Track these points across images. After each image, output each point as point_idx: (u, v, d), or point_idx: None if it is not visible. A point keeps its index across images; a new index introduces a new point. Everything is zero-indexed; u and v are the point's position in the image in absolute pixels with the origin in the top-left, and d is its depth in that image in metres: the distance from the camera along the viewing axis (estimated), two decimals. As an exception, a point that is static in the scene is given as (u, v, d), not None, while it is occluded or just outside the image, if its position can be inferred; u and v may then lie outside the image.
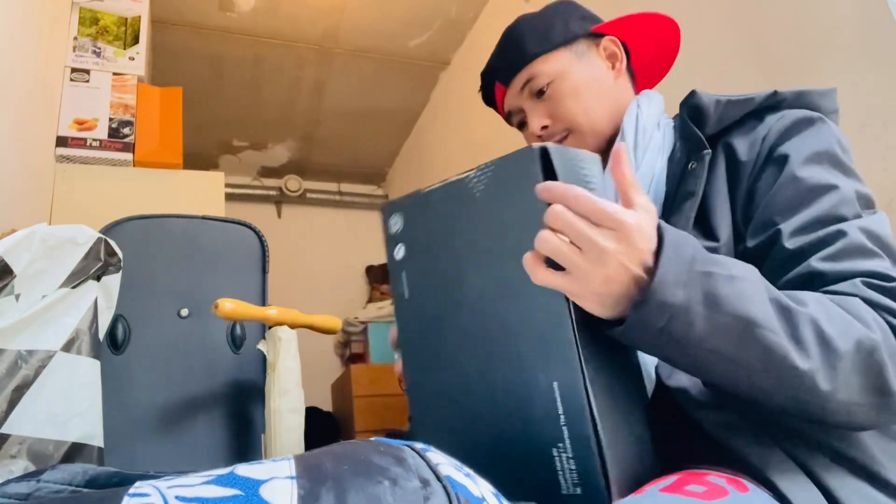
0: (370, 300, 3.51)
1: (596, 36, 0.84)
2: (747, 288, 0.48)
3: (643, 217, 0.47)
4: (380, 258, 3.70)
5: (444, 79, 2.98)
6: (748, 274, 0.50)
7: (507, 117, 0.88)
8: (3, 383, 0.72)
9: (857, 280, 0.54)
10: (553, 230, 0.47)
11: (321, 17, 2.55)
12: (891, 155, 1.05)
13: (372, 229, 3.84)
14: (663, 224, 0.49)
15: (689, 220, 0.66)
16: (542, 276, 0.47)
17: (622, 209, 0.47)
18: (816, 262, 0.56)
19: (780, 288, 0.56)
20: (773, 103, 0.70)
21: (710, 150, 0.68)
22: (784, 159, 0.64)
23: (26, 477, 0.33)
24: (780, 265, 0.59)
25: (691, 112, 0.73)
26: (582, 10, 0.86)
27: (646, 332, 0.47)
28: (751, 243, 0.63)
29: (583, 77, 0.81)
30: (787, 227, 0.60)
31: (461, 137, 2.77)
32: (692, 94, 0.73)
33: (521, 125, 0.87)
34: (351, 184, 3.87)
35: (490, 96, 0.89)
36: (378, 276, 3.54)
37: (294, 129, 3.30)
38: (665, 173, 0.73)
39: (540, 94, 0.81)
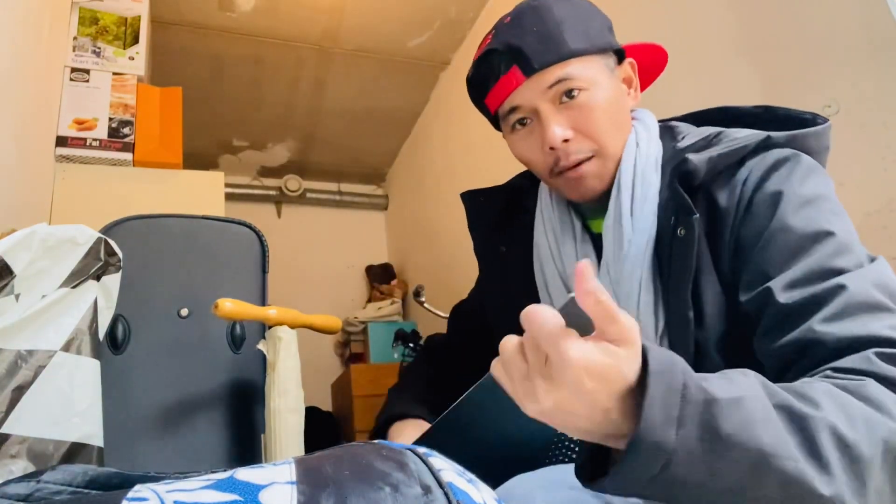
0: (370, 300, 3.51)
1: (620, 53, 0.76)
2: (751, 409, 0.41)
3: (622, 355, 0.39)
4: (380, 258, 3.70)
5: (444, 79, 2.98)
6: (747, 389, 0.42)
7: (505, 113, 0.74)
8: (3, 383, 0.72)
9: (869, 353, 0.47)
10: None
11: (321, 17, 2.55)
12: (891, 155, 1.05)
13: (372, 229, 3.84)
14: (648, 349, 0.41)
15: (688, 297, 0.60)
16: (531, 409, 0.40)
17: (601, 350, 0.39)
18: (818, 325, 0.51)
19: (776, 352, 0.51)
20: (763, 146, 0.65)
21: (697, 215, 0.62)
22: (771, 200, 0.60)
23: (26, 477, 0.33)
24: (776, 324, 0.54)
25: (682, 178, 0.65)
26: (608, 19, 0.77)
27: (636, 484, 0.40)
28: (743, 298, 0.58)
29: (611, 93, 0.71)
30: (779, 281, 0.55)
31: (461, 137, 2.77)
32: (685, 161, 0.65)
33: (519, 123, 0.73)
34: (351, 184, 3.87)
35: (488, 76, 0.73)
36: (378, 276, 3.54)
37: (294, 128, 3.30)
38: (654, 229, 0.67)
39: (568, 99, 0.69)
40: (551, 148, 0.69)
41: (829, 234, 0.56)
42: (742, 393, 0.42)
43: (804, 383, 0.46)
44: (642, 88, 0.82)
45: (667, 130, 0.76)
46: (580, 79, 0.69)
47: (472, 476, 0.36)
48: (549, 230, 0.79)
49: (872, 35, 1.10)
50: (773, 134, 0.65)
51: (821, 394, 0.44)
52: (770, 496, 0.41)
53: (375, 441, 0.40)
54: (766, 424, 0.41)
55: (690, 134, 0.74)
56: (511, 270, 0.85)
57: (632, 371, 0.39)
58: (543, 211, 0.82)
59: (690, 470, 0.39)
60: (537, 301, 0.78)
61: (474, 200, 0.91)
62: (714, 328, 0.61)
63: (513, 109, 0.72)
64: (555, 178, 0.74)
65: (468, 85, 0.78)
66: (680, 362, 0.42)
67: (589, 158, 0.70)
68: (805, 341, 0.51)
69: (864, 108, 1.10)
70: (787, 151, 0.64)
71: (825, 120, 0.69)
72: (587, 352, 0.38)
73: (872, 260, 0.56)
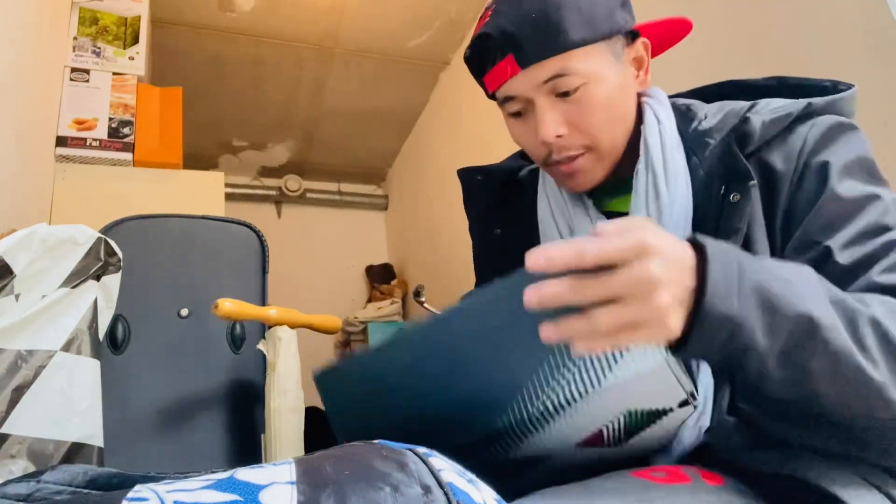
0: (370, 300, 3.51)
1: (633, 33, 0.71)
2: (802, 286, 0.45)
3: (659, 232, 0.42)
4: (380, 258, 3.70)
5: (444, 79, 2.98)
6: (800, 272, 0.47)
7: (501, 100, 0.71)
8: (3, 383, 0.72)
9: None
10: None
11: (321, 17, 2.55)
12: (891, 155, 1.05)
13: (372, 229, 3.84)
14: (699, 236, 0.44)
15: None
16: (602, 345, 0.41)
17: (633, 227, 0.41)
18: (878, 276, 0.53)
19: None
20: (806, 114, 0.65)
21: (755, 181, 0.61)
22: (822, 170, 0.61)
23: (26, 477, 0.33)
24: (835, 282, 0.54)
25: (740, 140, 0.63)
26: None
27: (710, 349, 0.44)
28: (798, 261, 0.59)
29: (616, 85, 0.67)
30: (836, 242, 0.56)
31: (461, 137, 2.77)
32: (746, 120, 0.63)
33: (518, 114, 0.71)
34: (351, 184, 3.87)
35: (485, 60, 0.69)
36: (378, 276, 3.54)
37: (294, 129, 3.30)
38: (691, 202, 0.65)
39: (565, 94, 0.66)
40: (544, 143, 0.68)
41: (875, 196, 0.59)
42: (794, 274, 0.46)
43: (864, 295, 0.50)
44: (658, 53, 0.79)
45: (678, 109, 0.74)
46: (579, 73, 0.65)
47: (473, 476, 0.36)
48: (558, 211, 0.76)
49: (872, 35, 1.10)
50: (813, 100, 0.65)
51: (874, 300, 0.48)
52: (825, 370, 0.44)
53: (375, 441, 0.40)
54: (815, 299, 0.45)
55: (710, 110, 0.71)
56: (507, 252, 0.81)
57: (688, 250, 0.43)
58: (548, 191, 0.78)
59: (753, 336, 0.43)
60: None
61: (471, 178, 0.88)
62: None
63: (508, 98, 0.69)
64: (548, 168, 0.73)
65: (467, 62, 0.74)
66: (733, 247, 0.45)
67: (582, 154, 0.69)
68: (866, 289, 0.53)
69: (864, 108, 1.10)
70: (837, 119, 0.64)
71: (848, 85, 0.69)
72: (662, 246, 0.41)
73: None
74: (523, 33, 0.64)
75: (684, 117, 0.72)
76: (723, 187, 0.62)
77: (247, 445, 1.00)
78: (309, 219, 3.71)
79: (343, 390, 0.60)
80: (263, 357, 0.99)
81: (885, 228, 0.57)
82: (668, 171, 0.66)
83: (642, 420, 0.51)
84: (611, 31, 0.66)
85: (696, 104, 0.74)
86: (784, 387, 0.46)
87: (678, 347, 0.44)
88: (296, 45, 2.69)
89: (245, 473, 0.31)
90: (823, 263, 0.56)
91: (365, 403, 0.58)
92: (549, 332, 0.41)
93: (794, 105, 0.65)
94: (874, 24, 1.09)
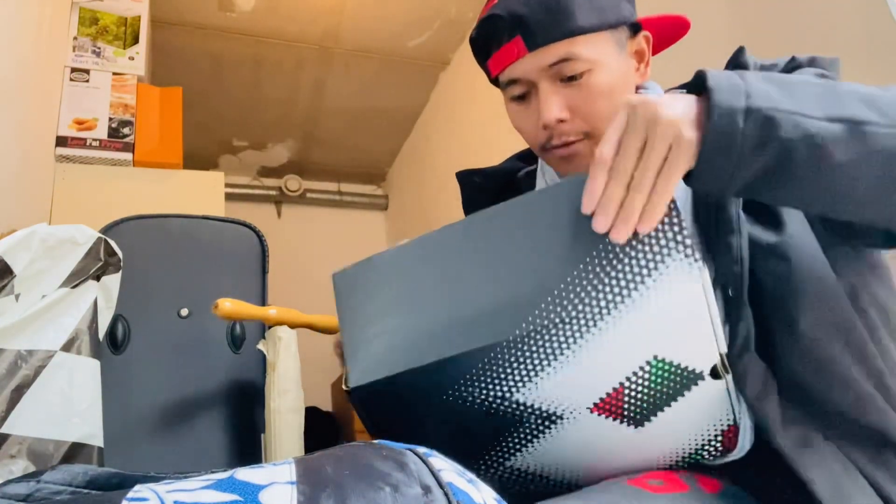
0: (370, 300, 3.51)
1: (636, 26, 0.72)
2: (820, 91, 0.47)
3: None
4: (380, 258, 3.69)
5: (444, 79, 2.98)
6: (812, 80, 0.49)
7: (504, 83, 0.71)
8: (3, 383, 0.72)
9: None
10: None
11: (321, 17, 2.55)
12: (891, 155, 1.05)
13: (372, 229, 3.84)
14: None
15: (739, 203, 0.59)
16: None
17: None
18: None
19: None
20: (792, 67, 0.67)
21: None
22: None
23: (26, 477, 0.33)
24: None
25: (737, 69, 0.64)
26: None
27: (731, 148, 0.45)
28: None
29: (618, 75, 0.68)
30: None
31: (461, 137, 2.77)
32: (741, 51, 0.65)
33: (520, 98, 0.71)
34: (351, 184, 3.87)
35: (491, 42, 0.69)
36: (378, 276, 3.54)
37: (294, 128, 3.30)
38: (689, 195, 0.65)
39: (570, 79, 0.66)
40: (545, 126, 0.68)
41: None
42: (805, 79, 0.49)
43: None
44: (656, 52, 0.79)
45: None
46: (585, 59, 0.65)
47: (473, 476, 0.36)
48: None
49: (872, 35, 1.10)
50: (797, 56, 0.67)
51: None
52: (839, 135, 0.45)
53: (376, 441, 0.40)
54: (812, 84, 0.48)
55: None
56: None
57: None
58: (547, 184, 0.78)
59: (768, 98, 0.45)
60: None
61: (470, 180, 0.88)
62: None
63: (512, 81, 0.70)
64: (545, 153, 0.73)
65: (471, 43, 0.75)
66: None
67: (580, 140, 0.69)
68: None
69: (863, 108, 1.10)
70: (823, 72, 0.66)
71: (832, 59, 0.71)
72: None
73: None
74: (533, 15, 0.65)
75: None
76: None
77: (247, 445, 1.00)
78: (309, 219, 3.71)
79: (362, 294, 0.56)
80: (263, 357, 0.99)
81: None
82: None
83: (668, 383, 0.48)
84: (617, 20, 0.67)
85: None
86: (846, 156, 0.46)
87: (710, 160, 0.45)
88: (296, 45, 2.69)
89: (245, 473, 0.31)
90: None
91: (385, 307, 0.53)
92: (599, 221, 0.45)
93: (780, 59, 0.67)
94: (874, 25, 1.09)
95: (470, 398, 0.49)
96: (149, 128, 1.74)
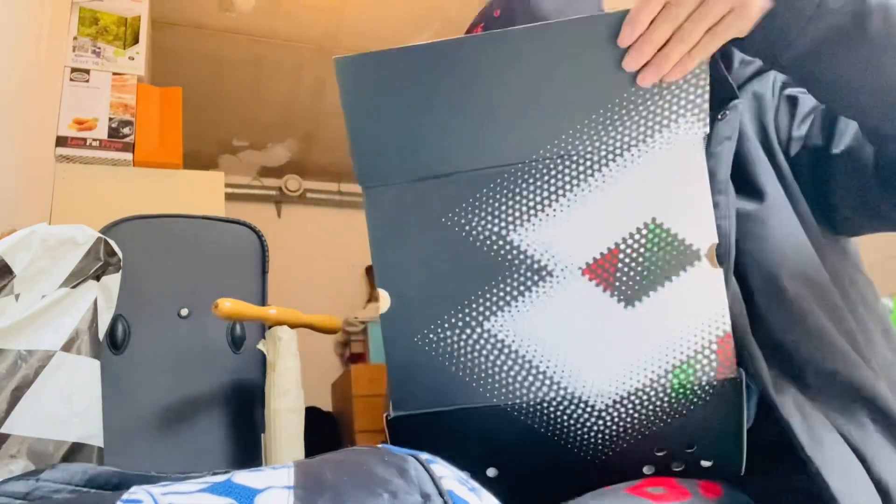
0: (370, 300, 3.51)
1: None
2: None
3: None
4: (380, 258, 3.69)
5: (444, 79, 2.98)
6: None
7: None
8: (3, 383, 0.72)
9: None
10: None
11: (321, 17, 2.55)
12: (891, 155, 1.05)
13: (372, 229, 3.84)
14: None
15: (729, 162, 0.60)
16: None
17: None
18: None
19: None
20: None
21: (738, 99, 0.63)
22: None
23: (25, 476, 0.33)
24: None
25: (723, 59, 0.66)
26: (600, 2, 0.77)
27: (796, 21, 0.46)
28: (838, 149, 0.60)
29: None
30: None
31: (461, 137, 2.77)
32: (731, 53, 0.67)
33: None
34: (351, 184, 3.87)
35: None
36: (378, 276, 3.54)
37: (294, 129, 3.30)
38: None
39: None
40: None
41: None
42: None
43: None
44: None
45: None
46: None
47: (475, 484, 0.35)
48: None
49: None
50: None
51: None
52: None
53: (379, 445, 0.40)
54: None
55: None
56: None
57: None
58: None
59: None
60: None
61: None
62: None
63: None
64: None
65: None
66: None
67: None
68: None
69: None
70: None
71: None
72: None
73: None
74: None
75: None
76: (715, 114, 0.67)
77: (247, 445, 1.00)
78: (309, 219, 3.71)
79: (371, 90, 0.51)
80: (263, 357, 0.99)
81: None
82: None
83: (664, 255, 0.47)
84: None
85: None
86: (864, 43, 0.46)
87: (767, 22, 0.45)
88: (296, 45, 2.69)
89: (242, 477, 0.30)
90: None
91: (401, 108, 0.50)
92: (632, 58, 0.45)
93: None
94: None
95: (467, 226, 0.48)
96: (149, 128, 1.74)
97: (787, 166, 0.63)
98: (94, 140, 1.66)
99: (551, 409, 0.50)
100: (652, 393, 0.49)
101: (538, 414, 0.50)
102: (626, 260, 0.47)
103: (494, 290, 0.49)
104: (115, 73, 1.78)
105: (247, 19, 2.53)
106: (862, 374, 0.51)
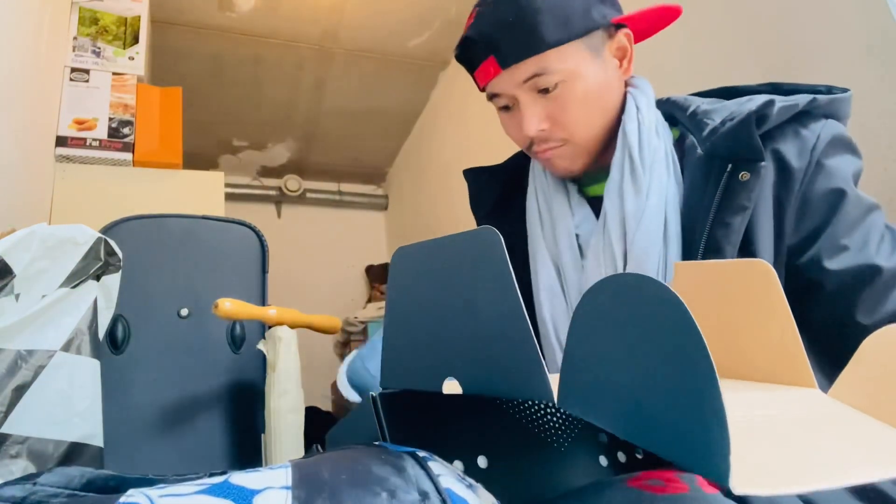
0: (370, 300, 3.51)
1: (613, 26, 0.73)
2: None
3: None
4: (380, 258, 3.69)
5: (444, 79, 2.98)
6: None
7: (489, 96, 0.75)
8: (3, 383, 0.72)
9: None
10: None
11: (321, 17, 2.55)
12: (891, 155, 1.05)
13: (372, 229, 3.84)
14: None
15: (740, 234, 0.62)
16: None
17: None
18: (881, 261, 0.62)
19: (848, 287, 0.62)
20: (813, 108, 0.68)
21: (766, 163, 0.64)
22: (834, 173, 0.66)
23: (22, 480, 0.32)
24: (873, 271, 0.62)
25: (759, 121, 0.65)
26: None
27: None
28: (832, 265, 0.64)
29: (594, 80, 0.71)
30: (853, 243, 0.63)
31: (461, 137, 2.77)
32: (771, 103, 0.65)
33: (506, 108, 0.75)
34: (351, 184, 3.87)
35: (472, 59, 0.73)
36: (378, 276, 3.54)
37: (294, 128, 3.30)
38: (678, 188, 0.69)
39: (544, 91, 0.70)
40: (529, 138, 0.73)
41: (876, 206, 0.66)
42: None
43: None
44: (645, 37, 0.81)
45: (668, 103, 0.77)
46: (557, 71, 0.69)
47: (472, 481, 0.36)
48: (541, 195, 0.81)
49: (872, 35, 1.10)
50: (818, 96, 0.68)
51: None
52: None
53: (375, 444, 0.40)
54: None
55: (705, 101, 0.73)
56: (515, 251, 0.84)
57: None
58: (536, 177, 0.83)
59: None
60: (529, 282, 0.79)
61: (478, 179, 0.91)
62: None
63: (494, 95, 0.74)
64: (532, 154, 0.79)
65: (457, 60, 0.79)
66: None
67: (560, 146, 0.73)
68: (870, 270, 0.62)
69: (864, 108, 1.10)
70: (845, 132, 0.69)
71: (842, 89, 0.71)
72: None
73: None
74: (502, 36, 0.69)
75: (680, 106, 0.75)
76: (729, 166, 0.65)
77: (247, 445, 1.00)
78: (309, 219, 3.71)
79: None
80: (263, 357, 0.99)
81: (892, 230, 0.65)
82: (645, 158, 0.70)
83: None
84: (586, 29, 0.69)
85: (690, 98, 0.77)
86: None
87: None
88: (296, 45, 2.69)
89: (240, 478, 0.30)
90: (868, 270, 0.62)
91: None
92: None
93: (800, 98, 0.68)
94: (874, 25, 1.09)
95: None
96: (149, 128, 1.74)
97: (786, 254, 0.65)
98: (94, 140, 1.66)
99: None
100: None
101: (508, 399, 0.53)
102: None
103: None
104: (115, 73, 1.78)
105: (247, 19, 2.53)
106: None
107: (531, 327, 0.35)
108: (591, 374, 0.31)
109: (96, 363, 0.83)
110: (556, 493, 0.49)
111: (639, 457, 0.55)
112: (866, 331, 0.56)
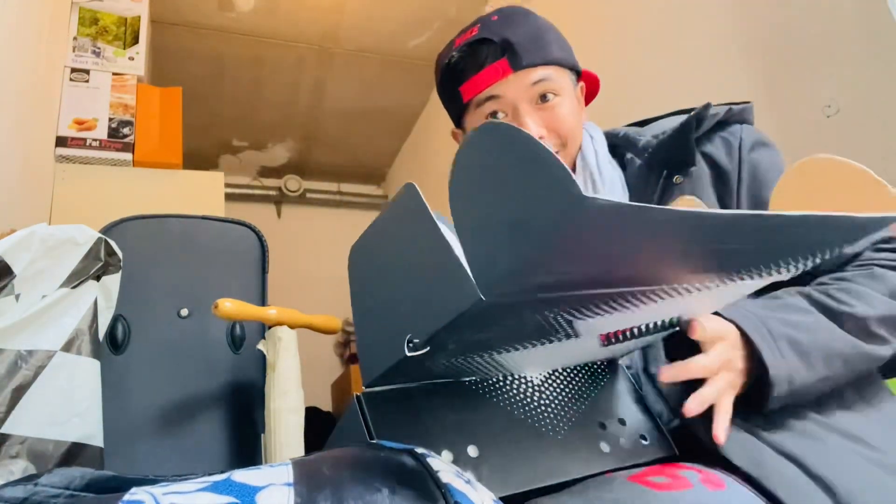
0: (370, 300, 3.51)
1: (579, 74, 0.85)
2: (811, 325, 0.59)
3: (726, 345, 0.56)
4: (380, 258, 3.69)
5: (445, 78, 2.98)
6: (801, 306, 0.61)
7: (482, 101, 0.78)
8: (3, 383, 0.72)
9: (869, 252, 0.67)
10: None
11: (321, 17, 2.55)
12: (891, 155, 1.05)
13: (372, 229, 3.84)
14: (732, 316, 0.57)
15: None
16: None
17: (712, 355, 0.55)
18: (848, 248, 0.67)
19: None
20: (729, 117, 0.77)
21: (695, 166, 0.73)
22: (765, 168, 0.73)
23: (23, 480, 0.32)
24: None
25: (698, 123, 0.74)
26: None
27: (781, 401, 0.57)
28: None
29: (574, 105, 0.81)
30: None
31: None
32: (708, 106, 0.74)
33: (493, 114, 0.79)
34: (351, 184, 3.87)
35: (473, 64, 0.77)
36: (378, 276, 3.54)
37: (294, 129, 3.30)
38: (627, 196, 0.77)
39: (543, 100, 0.77)
40: None
41: None
42: (799, 316, 0.59)
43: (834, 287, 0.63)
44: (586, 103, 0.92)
45: (608, 135, 0.86)
46: (556, 84, 0.77)
47: (470, 477, 0.36)
48: None
49: (872, 35, 1.10)
50: (732, 105, 0.78)
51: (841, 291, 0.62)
52: (843, 364, 0.59)
53: (374, 441, 0.40)
54: (823, 329, 0.59)
55: (630, 130, 0.85)
56: None
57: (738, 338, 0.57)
58: None
59: (803, 376, 0.56)
60: None
61: None
62: None
63: (491, 98, 0.77)
64: None
65: (446, 68, 0.81)
66: (756, 309, 0.59)
67: (557, 151, 0.79)
68: (839, 262, 0.67)
69: (864, 108, 1.10)
70: (756, 130, 0.78)
71: (745, 102, 0.81)
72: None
73: None
74: (518, 41, 0.76)
75: (615, 134, 0.86)
76: (664, 172, 0.75)
77: (247, 446, 1.00)
78: (309, 219, 3.71)
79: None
80: (263, 357, 0.99)
81: None
82: (605, 179, 0.79)
83: (663, 330, 0.54)
84: (573, 65, 0.82)
85: (617, 128, 0.90)
86: (816, 389, 0.59)
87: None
88: (296, 45, 2.69)
89: (242, 475, 0.30)
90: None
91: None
92: (692, 406, 0.54)
93: (719, 109, 0.77)
94: (874, 24, 1.09)
95: (551, 316, 0.46)
96: (149, 128, 1.74)
97: None
98: (94, 140, 1.66)
99: (501, 384, 0.56)
100: (569, 368, 0.60)
101: (493, 389, 0.55)
102: (633, 331, 0.53)
103: (522, 343, 0.50)
104: (115, 74, 1.78)
105: (247, 19, 2.53)
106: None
107: (449, 245, 0.38)
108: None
109: (96, 363, 0.83)
110: (556, 481, 0.50)
111: (644, 443, 0.57)
112: (849, 257, 0.66)
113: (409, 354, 0.41)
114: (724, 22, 1.43)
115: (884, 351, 0.60)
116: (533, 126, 0.76)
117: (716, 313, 0.57)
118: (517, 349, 0.51)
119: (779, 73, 1.28)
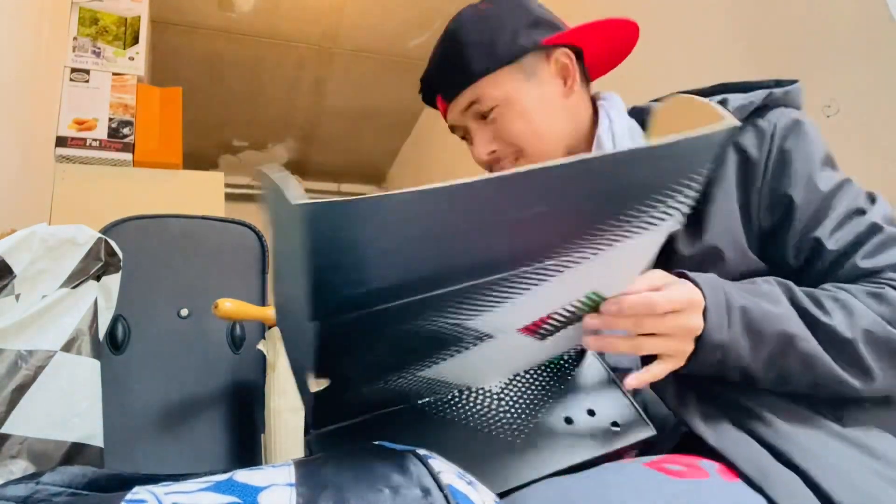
0: (370, 300, 3.51)
1: (547, 48, 0.76)
2: (776, 311, 0.56)
3: (683, 287, 0.53)
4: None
5: (444, 79, 2.98)
6: (774, 295, 0.57)
7: (451, 129, 0.83)
8: (3, 383, 0.72)
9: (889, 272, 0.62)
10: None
11: (321, 17, 2.55)
12: (891, 155, 1.05)
13: (372, 229, 3.84)
14: (695, 277, 0.55)
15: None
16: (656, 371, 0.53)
17: (671, 294, 0.52)
18: (861, 262, 0.63)
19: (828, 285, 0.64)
20: (769, 102, 0.71)
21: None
22: (795, 159, 0.67)
23: (25, 479, 0.33)
24: (828, 267, 0.64)
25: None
26: (532, 12, 0.78)
27: (704, 368, 0.55)
28: (794, 258, 0.66)
29: (532, 100, 0.75)
30: (823, 231, 0.64)
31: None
32: (724, 102, 0.69)
33: (464, 138, 0.82)
34: (351, 184, 3.87)
35: (431, 101, 0.83)
36: (378, 276, 3.54)
37: (294, 128, 3.30)
38: None
39: (485, 116, 0.75)
40: (486, 162, 0.78)
41: (846, 181, 0.67)
42: (768, 296, 0.57)
43: (822, 295, 0.59)
44: (613, 66, 0.85)
45: (635, 111, 0.81)
46: (490, 98, 0.74)
47: (472, 478, 0.36)
48: None
49: (872, 35, 1.10)
50: (774, 90, 0.72)
51: (832, 302, 0.58)
52: (800, 368, 0.56)
53: (376, 442, 0.40)
54: (788, 320, 0.56)
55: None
56: None
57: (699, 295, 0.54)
58: None
59: (740, 355, 0.54)
60: None
61: None
62: (731, 258, 0.66)
63: (453, 128, 0.82)
64: None
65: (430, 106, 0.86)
66: (717, 278, 0.56)
67: (516, 159, 0.77)
68: (853, 276, 0.63)
69: (864, 108, 1.10)
70: (799, 113, 0.71)
71: (791, 81, 0.74)
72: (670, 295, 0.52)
73: (872, 197, 0.68)
74: (440, 75, 0.79)
75: (647, 111, 0.80)
76: None
77: (247, 445, 1.00)
78: (309, 219, 3.71)
79: (339, 236, 0.45)
80: (263, 357, 0.99)
81: (861, 211, 0.65)
82: None
83: (587, 310, 0.52)
84: (513, 55, 0.75)
85: (652, 103, 0.82)
86: (767, 382, 0.57)
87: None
88: (296, 45, 2.69)
89: (244, 475, 0.30)
90: (818, 253, 0.64)
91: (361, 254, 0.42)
92: (595, 342, 0.53)
93: (756, 94, 0.71)
94: (874, 24, 1.09)
95: (426, 323, 0.46)
96: (149, 128, 1.74)
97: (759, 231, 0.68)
98: (94, 140, 1.66)
99: (457, 400, 0.56)
100: (532, 370, 0.60)
101: (450, 407, 0.55)
102: (557, 318, 0.52)
103: (440, 354, 0.51)
104: (115, 74, 1.78)
105: (247, 19, 2.53)
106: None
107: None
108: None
109: (96, 363, 0.83)
110: (513, 486, 0.50)
111: (616, 430, 0.57)
112: (866, 273, 0.62)
113: (313, 391, 0.43)
114: (723, 22, 1.43)
115: (855, 382, 0.56)
116: (480, 145, 0.77)
117: (689, 280, 0.55)
118: (436, 362, 0.51)
119: (778, 73, 1.29)
